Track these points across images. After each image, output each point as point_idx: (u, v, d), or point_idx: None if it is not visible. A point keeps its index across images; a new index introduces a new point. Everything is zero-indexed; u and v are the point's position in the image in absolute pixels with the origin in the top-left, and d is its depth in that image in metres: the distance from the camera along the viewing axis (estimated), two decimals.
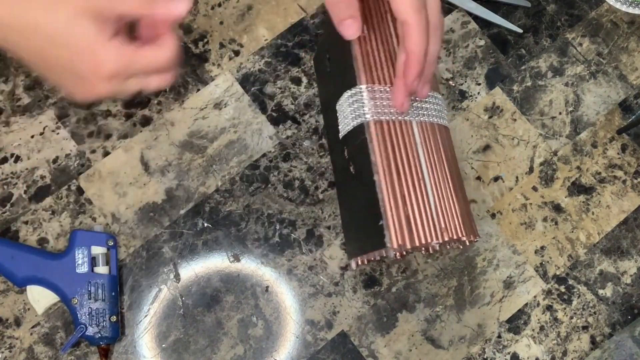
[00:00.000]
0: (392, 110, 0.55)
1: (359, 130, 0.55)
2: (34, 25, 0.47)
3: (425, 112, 0.56)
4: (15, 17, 0.46)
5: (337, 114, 0.59)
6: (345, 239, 0.65)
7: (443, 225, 0.52)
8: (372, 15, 0.57)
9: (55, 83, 0.50)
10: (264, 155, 0.68)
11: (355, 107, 0.55)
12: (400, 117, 0.55)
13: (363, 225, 0.57)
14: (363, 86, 0.55)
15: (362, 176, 0.55)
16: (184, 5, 0.47)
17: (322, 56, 0.66)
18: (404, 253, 0.54)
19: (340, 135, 0.59)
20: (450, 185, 0.55)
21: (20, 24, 0.47)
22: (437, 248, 0.53)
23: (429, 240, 0.52)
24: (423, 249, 0.54)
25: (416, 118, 0.55)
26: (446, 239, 0.52)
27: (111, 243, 0.63)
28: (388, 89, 0.55)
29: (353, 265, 0.59)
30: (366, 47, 0.56)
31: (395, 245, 0.51)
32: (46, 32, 0.47)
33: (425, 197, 0.53)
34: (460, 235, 0.53)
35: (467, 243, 0.54)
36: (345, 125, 0.58)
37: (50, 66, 0.49)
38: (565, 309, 0.66)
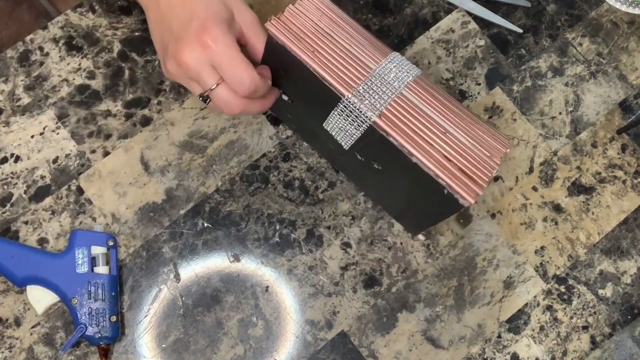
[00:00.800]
0: (382, 95, 0.55)
1: (370, 132, 0.56)
2: None
3: (402, 75, 0.57)
4: None
5: (330, 132, 0.60)
6: (401, 221, 0.67)
7: (488, 153, 0.55)
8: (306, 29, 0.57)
9: (158, 39, 0.59)
10: (264, 155, 0.68)
11: (353, 117, 0.56)
12: (390, 96, 0.55)
13: (423, 203, 0.59)
14: (348, 95, 0.55)
15: (395, 166, 0.57)
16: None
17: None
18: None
19: (346, 147, 0.60)
20: (464, 116, 0.57)
21: None
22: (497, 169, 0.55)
23: (490, 173, 0.54)
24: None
25: (402, 86, 0.56)
26: (498, 161, 0.55)
27: (111, 243, 0.63)
28: (367, 82, 0.55)
29: (422, 237, 0.62)
30: (322, 60, 0.56)
31: (472, 201, 0.53)
32: None
33: (457, 142, 0.55)
34: (504, 148, 0.56)
35: (508, 150, 0.57)
36: (348, 136, 0.58)
37: (165, 18, 0.57)
38: (565, 309, 0.66)
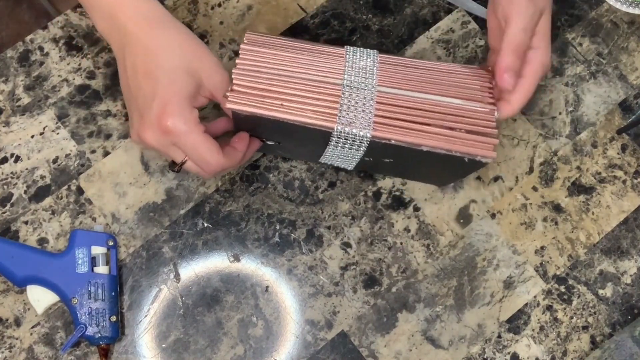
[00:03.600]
0: (365, 105, 0.56)
1: (373, 146, 0.56)
2: (154, 49, 0.54)
3: (367, 70, 0.58)
4: (146, 34, 0.55)
5: (330, 163, 0.62)
6: (427, 181, 0.68)
7: (481, 100, 0.57)
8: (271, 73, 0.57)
9: (127, 104, 0.58)
10: (264, 155, 0.68)
11: (350, 143, 0.56)
12: (371, 101, 0.56)
13: (447, 170, 0.62)
14: (337, 126, 0.55)
15: (408, 156, 0.58)
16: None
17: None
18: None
19: (351, 168, 0.63)
20: (440, 72, 0.58)
21: (148, 42, 0.55)
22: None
23: (493, 118, 0.57)
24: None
25: (374, 83, 0.57)
26: (495, 114, 0.57)
27: (111, 243, 0.63)
28: (345, 101, 0.56)
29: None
30: (294, 108, 0.55)
31: (492, 155, 0.55)
32: (157, 58, 0.54)
33: (451, 106, 0.56)
34: (490, 82, 0.58)
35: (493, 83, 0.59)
36: (351, 159, 0.60)
37: (132, 88, 0.56)
38: (565, 309, 0.66)
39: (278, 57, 0.57)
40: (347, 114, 0.55)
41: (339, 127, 0.55)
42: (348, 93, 0.56)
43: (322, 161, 0.62)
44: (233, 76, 0.55)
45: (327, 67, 0.57)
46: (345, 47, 0.59)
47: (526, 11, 0.56)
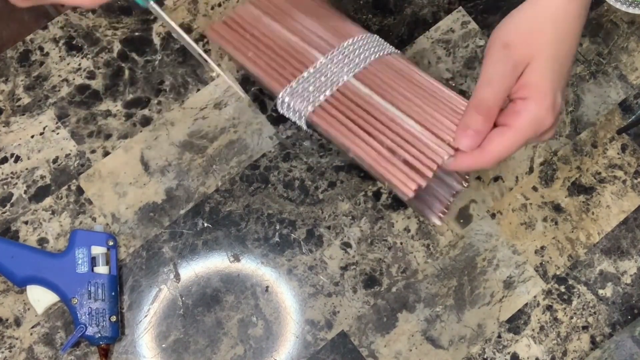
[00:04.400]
0: (324, 89, 0.55)
1: (317, 129, 0.56)
2: None
3: (357, 61, 0.56)
4: None
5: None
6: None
7: (439, 140, 0.52)
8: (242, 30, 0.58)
9: None
10: (264, 155, 0.68)
11: (293, 111, 0.56)
12: (334, 88, 0.55)
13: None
14: (282, 95, 0.55)
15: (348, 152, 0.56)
16: None
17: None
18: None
19: (304, 128, 0.59)
20: (427, 98, 0.54)
21: None
22: (447, 161, 0.52)
23: (435, 165, 0.51)
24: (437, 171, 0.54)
25: (351, 75, 0.55)
26: (445, 156, 0.51)
27: (111, 243, 0.63)
28: (305, 77, 0.55)
29: (437, 222, 0.58)
30: (260, 60, 0.56)
31: (411, 194, 0.51)
32: None
33: (405, 131, 0.52)
34: (450, 144, 0.51)
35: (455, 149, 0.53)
36: (299, 121, 0.58)
37: None
38: (565, 309, 0.66)
39: (288, 10, 0.58)
40: (301, 86, 0.55)
41: (284, 95, 0.55)
42: (317, 71, 0.55)
43: (279, 109, 0.60)
44: (235, 10, 0.57)
45: (325, 35, 0.57)
46: (368, 34, 0.57)
47: (495, 64, 0.49)
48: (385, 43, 0.59)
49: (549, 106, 0.48)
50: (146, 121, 0.68)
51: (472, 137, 0.49)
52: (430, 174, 0.51)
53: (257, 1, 0.59)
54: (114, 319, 0.62)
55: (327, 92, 0.54)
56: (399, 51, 0.59)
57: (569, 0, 0.49)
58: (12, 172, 0.66)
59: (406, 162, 0.52)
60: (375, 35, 0.59)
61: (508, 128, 0.48)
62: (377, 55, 0.57)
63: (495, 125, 0.49)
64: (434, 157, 0.51)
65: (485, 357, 0.65)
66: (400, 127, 0.52)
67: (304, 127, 0.56)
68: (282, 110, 0.57)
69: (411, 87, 0.55)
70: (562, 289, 0.67)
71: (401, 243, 0.67)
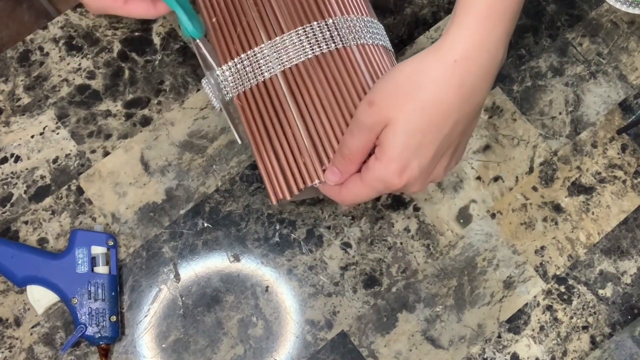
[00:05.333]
0: (255, 76, 0.56)
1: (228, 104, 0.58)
2: None
3: (292, 55, 0.56)
4: None
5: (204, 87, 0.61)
6: None
7: (312, 169, 0.54)
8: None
9: None
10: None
11: (218, 87, 0.57)
12: (261, 78, 0.56)
13: None
14: (221, 68, 0.57)
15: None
16: None
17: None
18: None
19: (217, 107, 0.60)
20: (327, 122, 0.54)
21: None
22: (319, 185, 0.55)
23: (303, 186, 0.54)
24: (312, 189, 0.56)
25: (280, 69, 0.56)
26: (315, 182, 0.54)
27: (111, 243, 0.63)
28: (241, 59, 0.56)
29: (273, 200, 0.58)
30: (216, 30, 0.58)
31: (274, 201, 0.55)
32: None
33: (295, 143, 0.55)
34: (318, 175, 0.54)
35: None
36: (216, 100, 0.59)
37: None
38: (565, 309, 0.66)
39: None
40: (239, 66, 0.56)
41: (224, 70, 0.57)
42: (256, 54, 0.56)
43: (203, 84, 0.61)
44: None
45: (277, 20, 0.57)
46: (333, 20, 0.57)
47: (358, 118, 0.50)
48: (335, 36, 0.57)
49: (394, 171, 0.49)
50: (146, 121, 0.68)
51: (337, 175, 0.52)
52: (296, 192, 0.54)
53: None
54: (114, 319, 0.62)
55: (254, 81, 0.56)
56: (377, 42, 0.58)
57: (453, 70, 0.48)
58: (12, 172, 0.66)
59: (282, 172, 0.55)
60: (349, 18, 0.57)
61: (360, 179, 0.52)
62: (318, 51, 0.55)
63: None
64: (306, 179, 0.54)
65: (485, 357, 0.65)
66: (294, 140, 0.55)
67: (217, 106, 0.58)
68: (209, 83, 0.58)
69: (329, 98, 0.55)
70: (562, 289, 0.67)
71: (401, 243, 0.67)
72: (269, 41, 0.56)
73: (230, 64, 0.57)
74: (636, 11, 0.72)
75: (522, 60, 0.72)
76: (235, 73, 0.56)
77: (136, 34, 0.70)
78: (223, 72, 0.57)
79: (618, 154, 0.70)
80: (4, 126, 0.67)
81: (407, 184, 0.50)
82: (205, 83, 0.59)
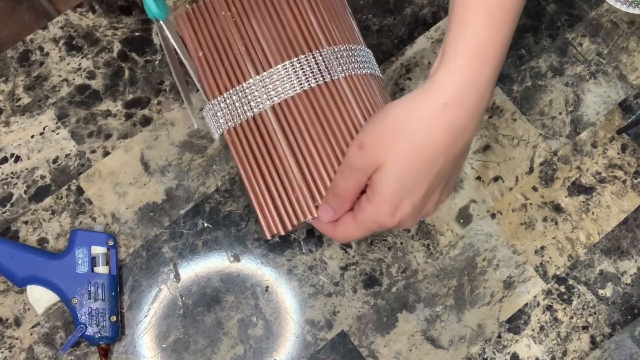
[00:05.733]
0: (244, 112, 0.56)
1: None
2: None
3: (280, 91, 0.55)
4: None
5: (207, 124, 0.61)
6: None
7: (312, 200, 0.54)
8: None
9: None
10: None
11: (214, 120, 0.57)
12: (250, 114, 0.55)
13: None
14: (209, 103, 0.57)
15: None
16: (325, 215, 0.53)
17: None
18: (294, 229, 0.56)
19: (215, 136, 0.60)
20: (318, 156, 0.54)
21: None
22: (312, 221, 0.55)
23: (296, 222, 0.54)
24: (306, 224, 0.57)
25: (269, 104, 0.55)
26: (308, 218, 0.54)
27: (111, 243, 0.63)
28: (229, 94, 0.56)
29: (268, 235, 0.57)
30: (204, 64, 0.57)
31: (268, 237, 0.55)
32: None
33: (287, 179, 0.55)
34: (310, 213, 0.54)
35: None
36: (214, 129, 0.59)
37: None
38: (565, 309, 0.66)
39: (251, 8, 0.57)
40: (227, 101, 0.56)
41: (212, 105, 0.57)
42: (245, 89, 0.56)
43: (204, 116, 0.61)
44: None
45: (265, 55, 0.56)
46: (316, 52, 0.56)
47: (349, 160, 0.51)
48: (353, 61, 0.57)
49: (387, 212, 0.50)
50: (146, 121, 0.68)
51: (329, 213, 0.53)
52: (289, 227, 0.54)
53: None
54: (114, 319, 0.62)
55: (243, 116, 0.56)
56: (366, 73, 0.58)
57: (442, 112, 0.48)
58: (12, 172, 0.66)
59: (275, 207, 0.55)
60: (337, 48, 0.57)
61: (353, 218, 0.52)
62: (307, 86, 0.55)
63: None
64: (299, 215, 0.54)
65: (485, 357, 0.65)
66: (285, 175, 0.55)
67: (216, 138, 0.59)
68: (207, 116, 0.58)
69: (319, 133, 0.55)
70: (562, 289, 0.67)
71: (401, 243, 0.67)
72: (257, 76, 0.56)
73: (219, 98, 0.56)
74: (636, 11, 0.72)
75: (522, 60, 0.72)
76: (225, 108, 0.56)
77: (136, 34, 0.70)
78: (212, 106, 0.57)
79: (618, 154, 0.70)
80: (4, 126, 0.67)
81: (400, 223, 0.51)
82: (208, 114, 0.58)
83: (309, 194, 0.54)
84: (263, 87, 0.55)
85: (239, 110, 0.56)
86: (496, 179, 0.69)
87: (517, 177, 0.69)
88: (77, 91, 0.68)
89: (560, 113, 0.71)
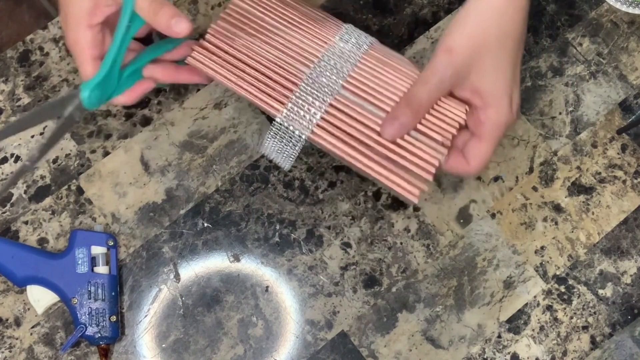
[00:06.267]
0: (318, 106, 0.53)
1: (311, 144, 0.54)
2: None
3: (342, 68, 0.54)
4: None
5: (268, 157, 0.57)
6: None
7: (435, 138, 0.52)
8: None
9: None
10: (264, 155, 0.68)
11: (287, 138, 0.54)
12: (324, 104, 0.53)
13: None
14: (278, 116, 0.53)
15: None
16: (183, 25, 0.49)
17: None
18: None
19: (287, 168, 0.57)
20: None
21: None
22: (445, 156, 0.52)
23: (433, 166, 0.51)
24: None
25: (339, 85, 0.53)
26: (441, 157, 0.51)
27: (111, 243, 0.63)
28: (299, 94, 0.53)
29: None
30: (248, 82, 0.54)
31: (416, 200, 0.51)
32: None
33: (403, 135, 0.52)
34: (443, 143, 0.52)
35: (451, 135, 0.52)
36: (287, 158, 0.56)
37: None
38: (565, 309, 0.66)
39: (261, 23, 0.56)
40: (296, 108, 0.53)
41: (279, 119, 0.53)
42: (309, 86, 0.53)
43: (261, 151, 0.57)
44: (208, 32, 0.55)
45: (305, 45, 0.55)
46: (343, 25, 0.56)
47: (436, 67, 0.50)
48: (361, 33, 0.56)
49: (506, 107, 0.50)
50: (146, 121, 0.68)
51: (397, 128, 0.50)
52: (430, 178, 0.51)
53: (228, 16, 0.56)
54: (114, 319, 0.62)
55: (323, 108, 0.53)
56: (373, 40, 0.57)
57: None
58: (12, 172, 0.66)
59: (405, 168, 0.51)
60: (349, 25, 0.57)
61: (478, 139, 0.51)
62: (359, 55, 0.54)
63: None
64: (432, 161, 0.51)
65: (485, 357, 0.65)
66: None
67: (300, 146, 0.55)
68: (275, 135, 0.55)
69: (395, 83, 0.53)
70: (562, 289, 0.67)
71: (401, 243, 0.67)
72: (309, 70, 0.54)
73: (287, 107, 0.53)
74: (636, 11, 0.72)
75: (522, 60, 0.72)
76: (296, 112, 0.53)
77: None
78: (283, 120, 0.53)
79: (618, 154, 0.70)
80: (4, 126, 0.67)
81: (516, 115, 0.51)
82: (269, 149, 0.56)
83: (425, 136, 0.51)
84: (323, 73, 0.54)
85: (312, 110, 0.53)
86: (496, 179, 0.69)
87: (517, 177, 0.69)
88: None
89: (560, 113, 0.71)
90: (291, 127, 0.53)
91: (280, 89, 0.54)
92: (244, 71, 0.54)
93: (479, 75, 0.49)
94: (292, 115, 0.53)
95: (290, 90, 0.54)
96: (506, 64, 0.50)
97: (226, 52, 0.55)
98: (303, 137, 0.53)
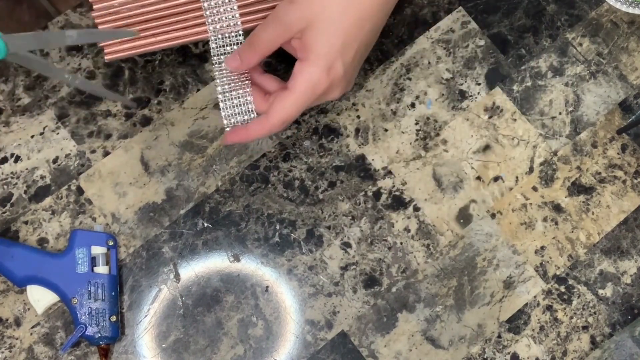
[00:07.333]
0: (228, 6, 0.60)
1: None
2: None
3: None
4: None
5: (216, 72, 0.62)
6: None
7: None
8: None
9: None
10: (264, 155, 0.68)
11: (227, 43, 0.61)
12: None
13: None
14: (209, 35, 0.62)
15: None
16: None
17: None
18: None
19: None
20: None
21: None
22: None
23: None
24: None
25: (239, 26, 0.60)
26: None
27: (111, 243, 0.63)
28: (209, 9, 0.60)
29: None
30: (169, 31, 0.62)
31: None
32: None
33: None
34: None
35: None
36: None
37: None
38: (565, 309, 0.66)
39: None
40: (214, 19, 0.59)
41: (213, 34, 0.60)
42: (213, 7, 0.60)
43: (213, 73, 0.64)
44: (95, 21, 0.61)
45: None
46: None
47: (277, 13, 0.54)
48: None
49: (322, 68, 0.52)
50: (146, 121, 0.68)
51: (237, 61, 0.56)
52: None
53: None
54: (114, 319, 0.62)
55: (234, 4, 0.60)
56: None
57: None
58: (12, 172, 0.66)
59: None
60: None
61: (287, 91, 0.54)
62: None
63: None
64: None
65: (485, 357, 0.65)
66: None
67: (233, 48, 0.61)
68: (217, 54, 0.61)
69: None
70: (562, 289, 0.67)
71: (401, 243, 0.67)
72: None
73: (210, 28, 0.60)
74: (636, 11, 0.72)
75: (522, 60, 0.72)
76: (217, 21, 0.60)
77: None
78: (217, 36, 0.60)
79: (618, 154, 0.70)
80: (4, 126, 0.67)
81: (332, 85, 0.53)
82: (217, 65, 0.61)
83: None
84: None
85: (226, 17, 0.60)
86: (496, 179, 0.69)
87: (517, 177, 0.69)
88: (77, 91, 0.68)
89: (560, 113, 0.71)
90: (226, 35, 0.59)
91: (191, 19, 0.60)
92: (152, 32, 0.61)
93: (311, 30, 0.52)
94: (219, 27, 0.59)
95: (199, 12, 0.60)
96: (339, 33, 0.52)
97: (123, 19, 0.61)
98: (240, 33, 0.59)
